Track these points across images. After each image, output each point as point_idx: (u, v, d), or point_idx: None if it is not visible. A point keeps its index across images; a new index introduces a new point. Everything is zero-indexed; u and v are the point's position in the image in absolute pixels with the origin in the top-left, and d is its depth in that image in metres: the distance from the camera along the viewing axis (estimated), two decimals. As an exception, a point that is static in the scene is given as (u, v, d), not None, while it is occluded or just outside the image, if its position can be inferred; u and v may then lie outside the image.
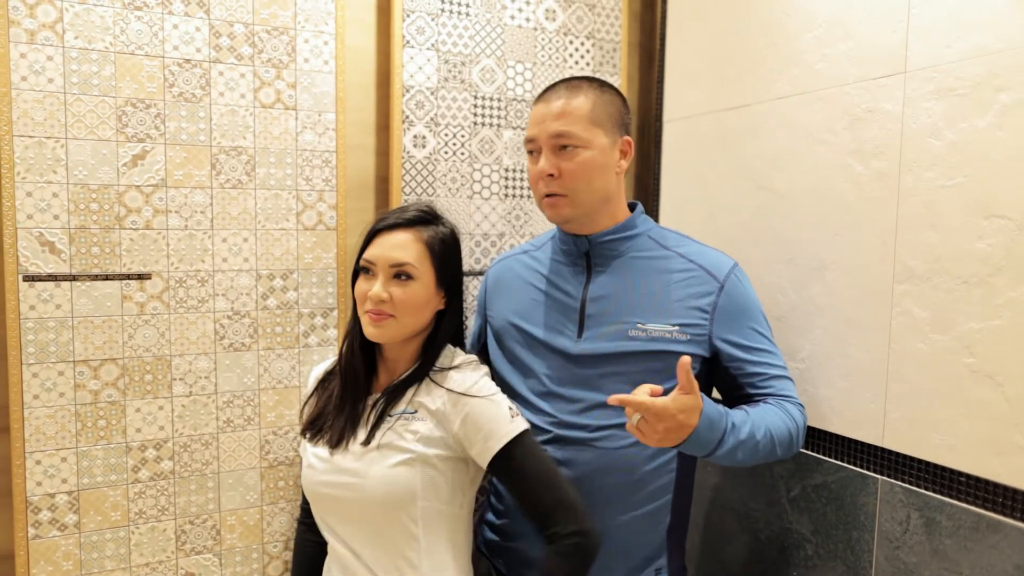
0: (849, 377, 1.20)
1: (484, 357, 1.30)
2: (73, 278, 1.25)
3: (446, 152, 1.53)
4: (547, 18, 1.61)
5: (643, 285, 1.16)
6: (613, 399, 0.95)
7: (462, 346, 1.22)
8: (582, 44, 1.65)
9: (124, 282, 1.28)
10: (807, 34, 1.28)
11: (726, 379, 1.16)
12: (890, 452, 1.14)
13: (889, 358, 1.13)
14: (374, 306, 1.09)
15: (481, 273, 1.56)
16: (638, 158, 1.75)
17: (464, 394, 1.09)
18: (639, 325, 1.14)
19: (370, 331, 1.11)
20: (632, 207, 1.23)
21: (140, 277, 1.29)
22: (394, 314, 1.09)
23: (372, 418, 1.11)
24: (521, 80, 1.59)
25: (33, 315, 1.22)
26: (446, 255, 1.15)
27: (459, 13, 1.52)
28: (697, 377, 1.14)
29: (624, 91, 1.67)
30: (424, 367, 1.14)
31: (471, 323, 1.43)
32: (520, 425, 1.09)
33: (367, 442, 1.09)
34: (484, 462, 1.08)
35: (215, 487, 1.37)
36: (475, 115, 1.55)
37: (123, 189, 1.27)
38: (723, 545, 1.48)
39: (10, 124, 1.19)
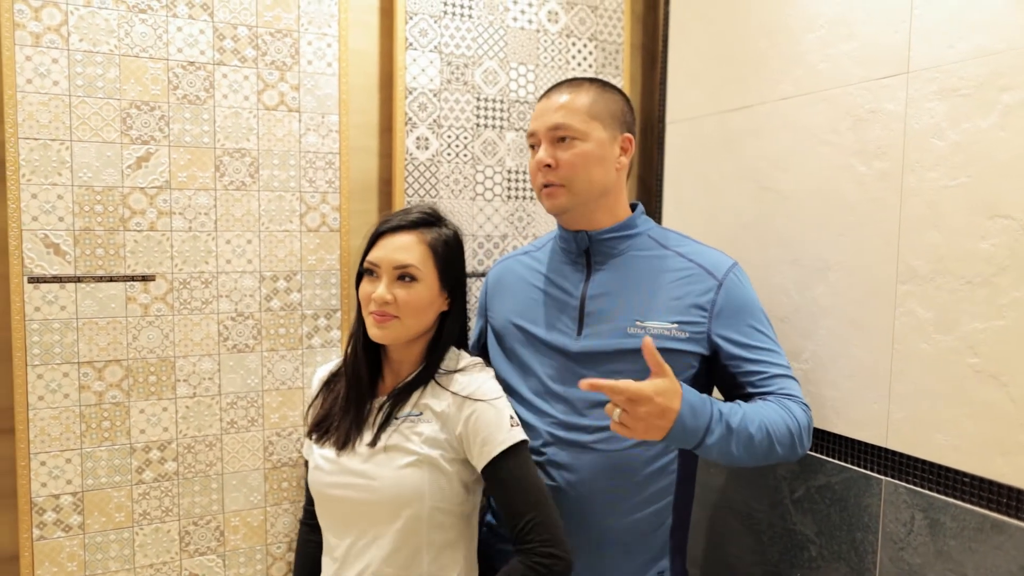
0: (853, 378, 1.20)
1: (485, 358, 1.30)
2: (78, 280, 1.25)
3: (449, 154, 1.53)
4: (549, 20, 1.61)
5: (642, 283, 1.17)
6: (584, 383, 0.94)
7: (466, 347, 1.23)
8: (584, 46, 1.65)
9: (128, 284, 1.29)
10: (810, 35, 1.28)
11: (726, 378, 1.15)
12: (894, 453, 1.13)
13: (893, 358, 1.13)
14: (378, 308, 1.10)
15: (484, 275, 1.56)
16: (641, 160, 1.75)
17: (468, 397, 1.10)
18: (638, 323, 1.14)
19: (374, 332, 1.11)
20: (633, 207, 1.24)
21: (144, 279, 1.30)
22: (398, 315, 1.10)
23: (378, 420, 1.12)
24: (524, 82, 1.59)
25: (38, 316, 1.23)
26: (449, 257, 1.16)
27: (462, 15, 1.52)
28: (697, 376, 1.14)
29: (627, 93, 1.67)
30: (429, 369, 1.15)
31: (473, 324, 1.43)
32: (517, 436, 1.10)
33: (373, 444, 1.09)
34: (479, 467, 1.10)
35: (219, 488, 1.37)
36: (478, 117, 1.56)
37: (127, 191, 1.28)
38: (726, 546, 1.47)
39: (15, 126, 1.20)
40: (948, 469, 1.06)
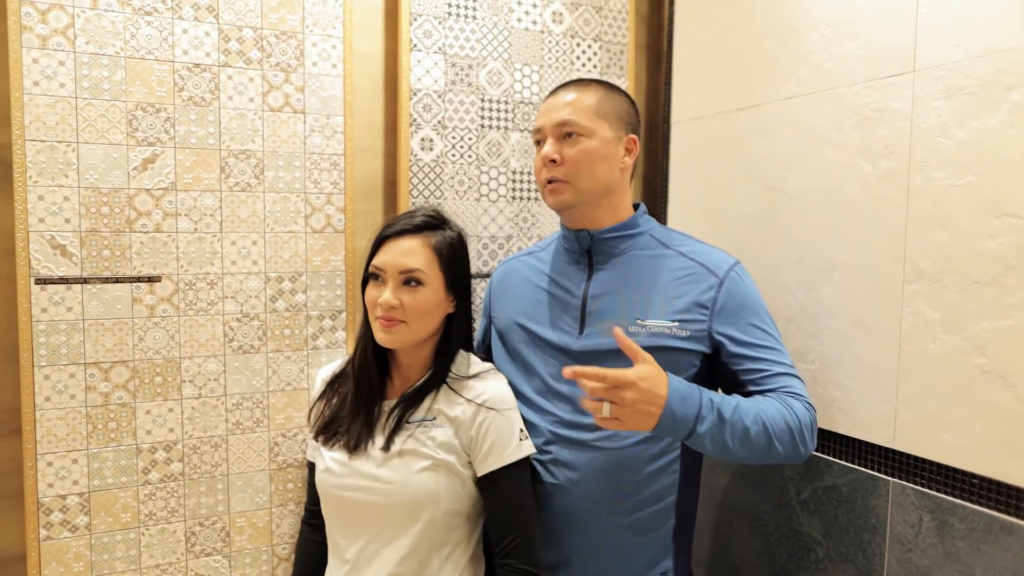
0: (859, 378, 1.19)
1: (489, 358, 1.30)
2: (84, 281, 1.26)
3: (453, 155, 1.53)
4: (554, 21, 1.61)
5: (644, 282, 1.17)
6: (567, 371, 0.95)
7: (471, 348, 1.23)
8: (589, 47, 1.65)
9: (134, 285, 1.29)
10: (815, 34, 1.27)
11: (728, 376, 1.15)
12: (901, 454, 1.13)
13: (900, 359, 1.13)
14: (385, 312, 1.10)
15: (489, 276, 1.56)
16: (646, 160, 1.75)
17: (483, 405, 1.12)
18: (639, 321, 1.14)
19: (382, 337, 1.12)
20: (635, 207, 1.24)
21: (150, 280, 1.30)
22: (405, 320, 1.11)
23: (391, 424, 1.13)
24: (528, 83, 1.59)
25: (45, 318, 1.23)
26: (454, 259, 1.16)
27: (466, 16, 1.53)
28: (699, 376, 1.14)
29: (632, 93, 1.67)
30: (440, 374, 1.16)
31: (478, 324, 1.43)
32: (523, 451, 1.12)
33: (387, 448, 1.11)
34: (479, 472, 1.12)
35: (224, 489, 1.37)
36: (482, 118, 1.56)
37: (133, 192, 1.28)
38: (732, 547, 1.47)
39: (22, 128, 1.20)
40: (956, 470, 1.05)
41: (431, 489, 1.09)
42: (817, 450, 1.27)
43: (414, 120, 1.49)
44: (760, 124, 1.40)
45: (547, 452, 1.17)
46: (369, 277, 1.15)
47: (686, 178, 1.63)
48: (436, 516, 1.10)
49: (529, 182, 1.61)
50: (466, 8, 1.52)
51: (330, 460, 1.14)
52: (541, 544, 1.14)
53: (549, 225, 1.62)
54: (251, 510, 1.40)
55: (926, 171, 1.08)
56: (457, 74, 1.53)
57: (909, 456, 1.12)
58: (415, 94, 1.49)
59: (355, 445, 1.12)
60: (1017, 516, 0.97)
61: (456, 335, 1.19)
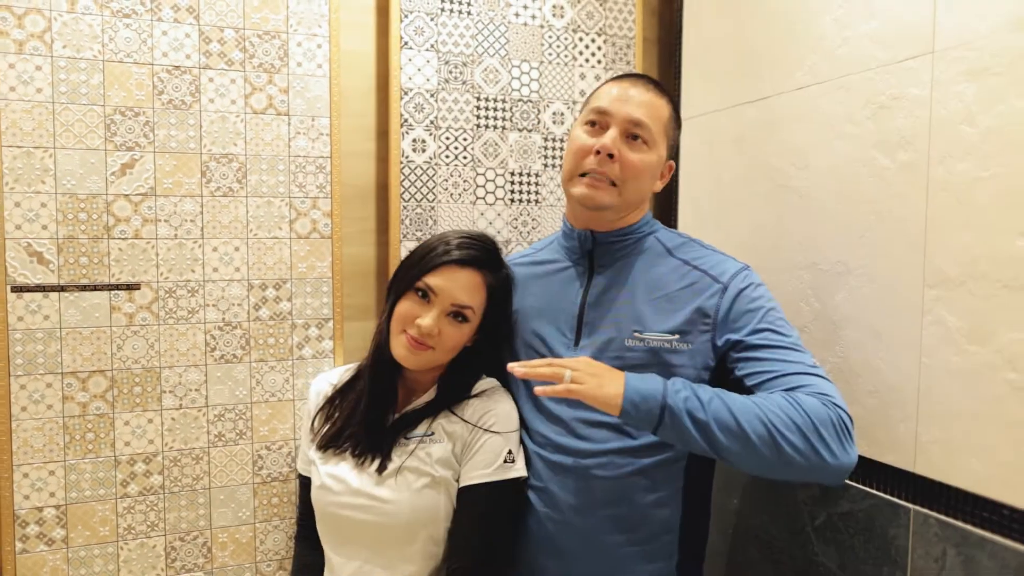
0: (876, 394, 1.08)
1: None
2: (61, 288, 1.23)
3: (447, 156, 1.47)
4: (554, 15, 1.53)
5: (644, 291, 1.09)
6: (512, 367, 0.94)
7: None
8: (593, 41, 1.57)
9: (113, 292, 1.26)
10: (827, 16, 1.17)
11: (736, 386, 1.04)
12: (923, 479, 1.01)
13: (920, 373, 1.01)
14: (420, 335, 1.06)
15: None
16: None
17: (478, 427, 1.09)
18: (636, 334, 1.06)
19: (404, 355, 1.08)
20: None
21: (129, 287, 1.27)
22: (435, 347, 1.08)
23: (392, 441, 1.10)
24: (527, 80, 1.52)
25: (21, 326, 1.21)
26: (500, 303, 1.13)
27: (460, 12, 1.46)
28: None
29: (638, 89, 1.58)
30: (441, 401, 1.12)
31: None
32: (504, 474, 1.07)
33: (385, 466, 1.07)
34: (460, 483, 1.08)
35: (206, 503, 1.33)
36: (478, 117, 1.49)
37: (112, 198, 1.25)
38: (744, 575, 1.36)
39: (-2, 134, 1.18)
40: (984, 500, 0.93)
41: (430, 507, 1.06)
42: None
43: (405, 120, 1.43)
44: (771, 117, 1.29)
45: (536, 477, 1.09)
46: (410, 289, 1.08)
47: (696, 176, 1.53)
48: (435, 535, 1.07)
49: (529, 184, 1.53)
50: (460, 3, 1.46)
51: (326, 476, 1.10)
52: None
53: (550, 229, 1.54)
54: (234, 525, 1.35)
55: (948, 163, 0.97)
56: (451, 72, 1.46)
57: (932, 482, 0.99)
58: (406, 93, 1.43)
59: (359, 462, 1.09)
60: (1054, 555, 0.85)
61: (467, 368, 1.15)
